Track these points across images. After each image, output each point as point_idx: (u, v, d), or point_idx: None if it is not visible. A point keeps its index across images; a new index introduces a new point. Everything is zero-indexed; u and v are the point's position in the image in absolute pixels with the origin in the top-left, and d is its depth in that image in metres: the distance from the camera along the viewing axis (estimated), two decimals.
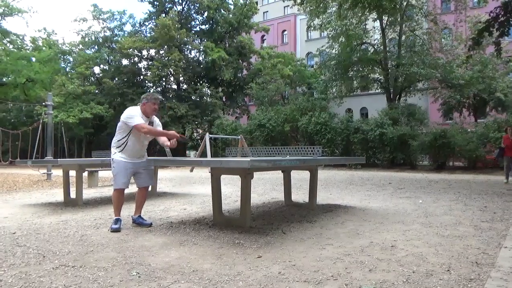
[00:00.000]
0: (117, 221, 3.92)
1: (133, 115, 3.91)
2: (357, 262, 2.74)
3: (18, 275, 2.51)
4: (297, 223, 4.21)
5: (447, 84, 19.09)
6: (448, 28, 20.32)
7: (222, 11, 29.65)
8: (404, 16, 18.65)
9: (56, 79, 26.37)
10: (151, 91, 28.69)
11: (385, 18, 18.85)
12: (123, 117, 3.95)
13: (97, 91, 29.05)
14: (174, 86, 29.21)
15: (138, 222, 4.14)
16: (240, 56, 29.51)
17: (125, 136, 3.96)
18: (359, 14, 16.74)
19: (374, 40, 20.95)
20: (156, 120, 4.23)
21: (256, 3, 31.62)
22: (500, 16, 9.80)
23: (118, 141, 4.00)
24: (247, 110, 31.39)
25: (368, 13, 15.26)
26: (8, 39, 26.95)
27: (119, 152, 3.99)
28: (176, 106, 25.01)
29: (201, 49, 28.56)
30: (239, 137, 17.09)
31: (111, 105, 27.16)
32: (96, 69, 31.48)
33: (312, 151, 5.81)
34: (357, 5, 9.40)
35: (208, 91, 28.24)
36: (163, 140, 4.08)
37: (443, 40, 20.36)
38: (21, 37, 28.30)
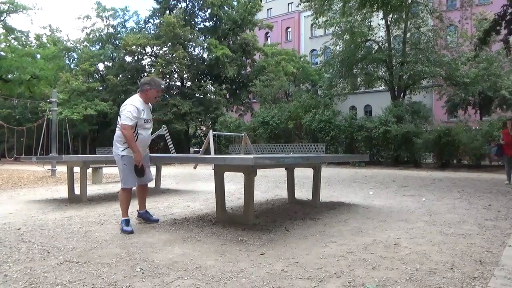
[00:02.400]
0: (128, 222, 3.74)
1: (130, 111, 3.69)
2: (360, 260, 2.74)
3: (23, 270, 2.53)
4: (300, 221, 4.21)
5: (452, 81, 18.98)
6: (454, 25, 20.17)
7: (226, 8, 29.62)
8: (410, 13, 18.53)
9: (60, 76, 26.51)
10: None
11: (390, 15, 18.74)
12: (122, 108, 3.77)
13: (101, 88, 29.16)
14: (178, 83, 29.27)
15: (146, 217, 4.12)
16: (244, 53, 29.48)
17: (134, 130, 3.76)
18: (364, 11, 16.64)
19: (379, 37, 20.84)
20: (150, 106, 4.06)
21: (260, 0, 31.51)
22: (508, 14, 9.67)
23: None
24: (250, 107, 31.39)
25: (375, 11, 15.16)
26: (13, 36, 27.10)
27: (127, 148, 3.76)
28: (180, 103, 25.06)
29: (205, 46, 28.57)
30: (243, 134, 17.10)
31: (115, 102, 27.27)
32: (100, 66, 31.64)
33: (315, 148, 5.80)
34: (365, 5, 9.33)
35: (212, 88, 28.27)
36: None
37: (448, 37, 20.22)
38: (25, 34, 28.44)
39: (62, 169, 11.92)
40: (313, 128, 18.47)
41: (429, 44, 19.09)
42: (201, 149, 17.24)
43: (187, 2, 29.81)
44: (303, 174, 10.15)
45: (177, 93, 27.99)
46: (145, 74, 29.00)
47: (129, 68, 28.18)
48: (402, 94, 20.12)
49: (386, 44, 19.85)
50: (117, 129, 3.87)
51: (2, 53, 25.73)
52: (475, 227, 3.86)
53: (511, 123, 8.63)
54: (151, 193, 6.48)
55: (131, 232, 3.63)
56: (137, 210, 4.23)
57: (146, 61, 29.72)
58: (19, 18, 76.06)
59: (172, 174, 12.54)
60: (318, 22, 18.71)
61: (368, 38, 20.30)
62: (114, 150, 3.86)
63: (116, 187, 7.96)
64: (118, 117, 3.86)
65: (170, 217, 4.47)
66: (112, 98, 27.30)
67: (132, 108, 3.72)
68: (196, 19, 30.65)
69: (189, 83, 28.56)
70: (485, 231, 3.69)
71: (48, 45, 29.84)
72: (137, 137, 3.79)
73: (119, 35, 31.73)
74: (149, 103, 3.99)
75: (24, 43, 28.36)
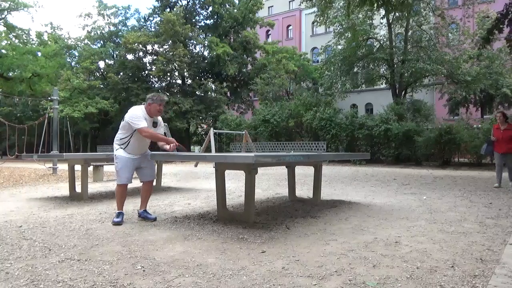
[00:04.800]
0: (119, 214, 4.03)
1: (137, 116, 3.95)
2: (361, 258, 2.74)
3: (24, 268, 2.54)
4: (301, 219, 4.22)
5: (454, 79, 18.94)
6: (456, 23, 20.10)
7: (227, 5, 29.54)
8: (411, 11, 18.46)
9: (61, 74, 26.48)
10: (156, 86, 28.77)
11: (391, 13, 18.67)
12: (127, 117, 3.99)
13: (102, 86, 29.12)
14: (179, 81, 29.23)
15: (143, 216, 4.19)
16: (245, 51, 29.41)
17: (128, 136, 4.04)
18: (366, 9, 16.56)
19: (380, 36, 20.79)
20: (159, 119, 4.28)
21: None
22: (510, 12, 9.60)
23: (121, 139, 4.07)
24: (251, 105, 31.37)
25: (376, 10, 15.06)
26: (14, 34, 27.05)
27: (121, 148, 4.07)
28: (180, 101, 25.04)
29: (205, 44, 28.52)
30: (244, 132, 17.09)
31: (116, 100, 27.28)
32: (101, 64, 31.57)
33: (316, 146, 5.80)
34: (365, 2, 9.24)
35: (213, 86, 28.24)
36: (162, 144, 4.21)
37: (450, 35, 20.16)
38: (26, 32, 28.40)
39: (63, 167, 11.92)
40: (314, 126, 18.45)
41: (431, 42, 19.03)
42: (201, 147, 17.25)
43: (188, 0, 29.75)
44: (304, 172, 10.15)
45: (178, 91, 27.95)
46: (146, 72, 28.98)
47: (130, 66, 28.14)
48: (403, 92, 20.08)
49: (388, 42, 19.80)
50: (119, 130, 4.14)
51: (3, 51, 25.69)
52: (476, 225, 3.86)
53: (501, 116, 7.60)
54: (152, 190, 6.48)
55: (119, 223, 3.89)
56: (137, 210, 4.31)
57: (147, 59, 29.68)
58: (20, 16, 76.14)
59: (173, 172, 12.55)
60: (320, 19, 18.64)
61: (370, 36, 20.25)
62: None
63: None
64: (122, 121, 4.10)
65: (171, 215, 4.48)
66: (113, 96, 27.27)
67: (135, 113, 3.98)
68: (197, 17, 30.56)
69: (189, 81, 28.55)
70: (486, 229, 3.69)
71: (49, 43, 29.76)
72: (128, 143, 4.04)
73: (120, 33, 31.68)
74: (156, 117, 4.18)
75: (25, 41, 28.30)
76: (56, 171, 11.55)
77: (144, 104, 4.14)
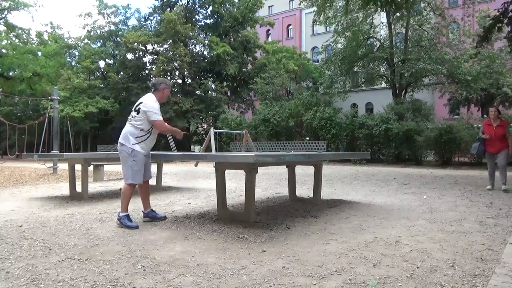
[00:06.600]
0: (130, 217, 3.82)
1: (156, 108, 3.83)
2: (361, 257, 2.75)
3: (25, 267, 2.54)
4: (301, 218, 4.22)
5: (454, 79, 18.92)
6: (456, 22, 20.08)
7: (227, 5, 29.54)
8: (412, 10, 18.43)
9: (61, 73, 26.49)
10: None
11: (392, 13, 18.66)
12: (146, 106, 3.80)
13: (102, 85, 29.13)
14: (179, 81, 29.23)
15: (152, 216, 4.10)
16: (245, 51, 29.41)
17: (149, 129, 3.86)
18: (370, 7, 16.54)
19: (380, 36, 20.77)
20: None
21: None
22: (510, 11, 9.56)
23: (141, 130, 3.83)
24: (252, 105, 31.38)
25: (380, 11, 14.98)
26: (14, 33, 27.04)
27: (139, 143, 3.83)
28: (181, 100, 25.04)
29: (206, 44, 28.52)
30: (244, 132, 17.09)
31: (117, 100, 27.30)
32: (102, 64, 31.58)
33: (316, 146, 5.81)
34: (368, 3, 9.12)
35: (213, 86, 28.23)
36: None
37: (450, 34, 20.13)
38: (26, 32, 28.40)
39: (63, 166, 11.93)
40: (314, 126, 18.43)
41: (431, 42, 19.01)
42: (202, 147, 17.26)
43: None
44: (304, 172, 10.15)
45: (178, 91, 27.96)
46: (146, 71, 28.98)
47: (130, 66, 28.14)
48: (404, 91, 20.07)
49: (388, 42, 19.78)
50: (129, 125, 3.90)
51: (4, 50, 25.68)
52: (476, 225, 3.86)
53: (494, 112, 6.87)
54: (152, 190, 6.48)
55: (136, 227, 3.70)
56: (142, 211, 4.21)
57: (147, 58, 29.69)
58: (20, 15, 76.26)
59: (173, 172, 12.56)
60: (320, 18, 18.63)
61: (370, 35, 20.23)
62: (122, 144, 3.85)
63: (117, 185, 7.98)
64: (134, 113, 3.91)
65: (171, 215, 4.48)
66: (113, 95, 27.29)
67: (157, 105, 3.88)
68: (197, 16, 30.56)
69: (190, 81, 28.55)
70: (486, 228, 3.69)
71: (49, 42, 29.77)
72: (148, 138, 3.89)
73: (120, 32, 31.69)
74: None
75: (25, 40, 28.29)
76: (56, 171, 11.55)
77: (152, 91, 3.98)
